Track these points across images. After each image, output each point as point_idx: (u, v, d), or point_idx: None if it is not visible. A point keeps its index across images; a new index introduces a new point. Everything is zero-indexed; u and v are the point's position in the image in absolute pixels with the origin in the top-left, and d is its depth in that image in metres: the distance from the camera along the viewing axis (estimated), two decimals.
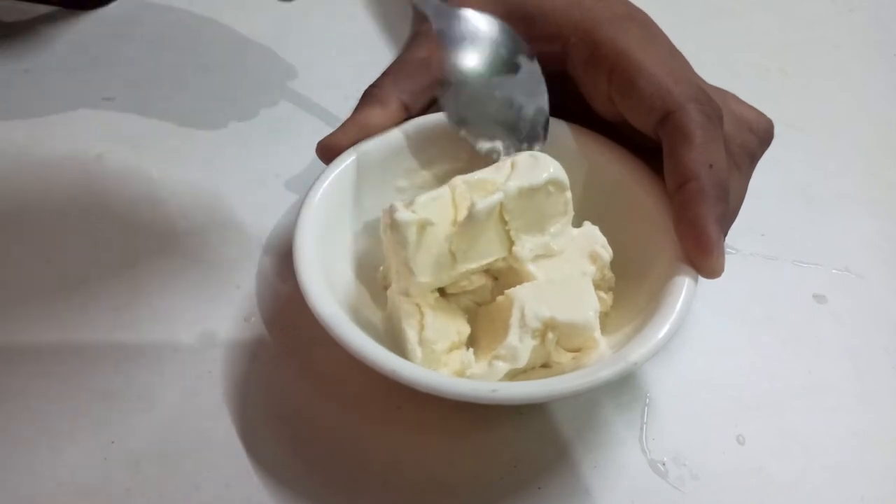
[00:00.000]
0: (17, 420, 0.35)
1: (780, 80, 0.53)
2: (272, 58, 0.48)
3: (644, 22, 0.40)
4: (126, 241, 0.41)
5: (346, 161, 0.37)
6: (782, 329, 0.41)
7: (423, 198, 0.34)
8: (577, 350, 0.35)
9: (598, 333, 0.34)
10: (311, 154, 0.38)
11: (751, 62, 0.54)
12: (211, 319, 0.39)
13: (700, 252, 0.34)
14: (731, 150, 0.37)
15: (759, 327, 0.41)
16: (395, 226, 0.33)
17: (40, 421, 0.35)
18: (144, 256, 0.41)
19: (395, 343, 0.35)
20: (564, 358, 0.35)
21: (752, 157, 0.39)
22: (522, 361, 0.33)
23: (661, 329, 0.33)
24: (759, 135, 0.39)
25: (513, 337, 0.33)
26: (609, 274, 0.37)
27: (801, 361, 0.40)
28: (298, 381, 0.37)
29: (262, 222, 0.42)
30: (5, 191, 0.43)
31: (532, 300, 0.34)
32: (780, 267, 0.44)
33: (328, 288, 0.34)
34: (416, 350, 0.34)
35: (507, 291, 0.35)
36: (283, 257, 0.41)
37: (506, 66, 0.38)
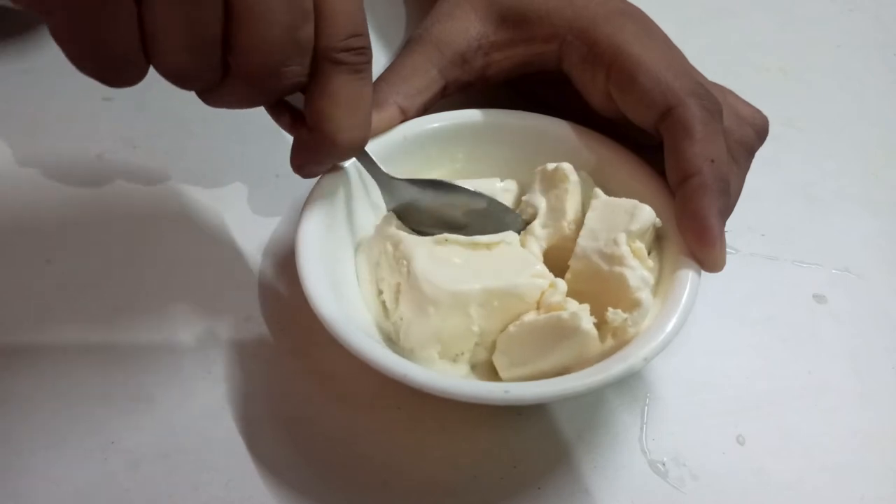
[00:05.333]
0: (17, 420, 0.35)
1: (780, 80, 0.53)
2: None
3: (639, 17, 0.40)
4: (126, 240, 0.41)
5: (346, 163, 0.37)
6: (782, 329, 0.41)
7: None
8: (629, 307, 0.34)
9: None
10: None
11: (751, 62, 0.54)
12: (211, 319, 0.39)
13: (703, 245, 0.34)
14: (730, 144, 0.37)
15: (759, 327, 0.41)
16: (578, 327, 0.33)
17: (40, 421, 0.35)
18: (144, 256, 0.41)
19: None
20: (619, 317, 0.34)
21: (750, 152, 0.39)
22: (651, 280, 0.34)
23: (669, 323, 0.33)
24: (756, 130, 0.40)
25: (631, 276, 0.34)
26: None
27: (801, 361, 0.40)
28: (298, 381, 0.37)
29: (262, 222, 0.42)
30: (5, 191, 0.43)
31: (598, 236, 0.35)
32: (780, 267, 0.43)
33: (332, 291, 0.34)
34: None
35: (575, 255, 0.36)
36: (283, 257, 0.41)
37: (455, 220, 0.37)
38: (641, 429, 0.37)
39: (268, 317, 0.39)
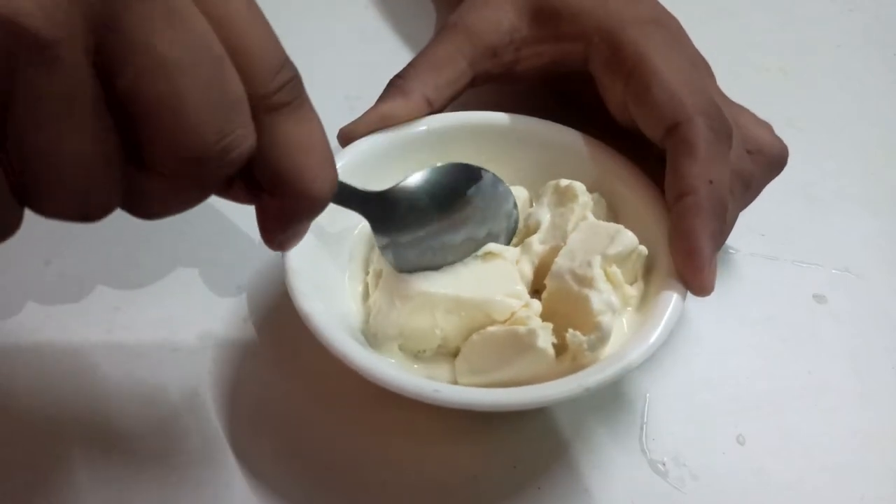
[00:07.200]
0: (17, 420, 0.35)
1: (780, 80, 0.53)
2: None
3: (670, 27, 0.39)
4: (126, 241, 0.41)
5: (346, 157, 0.37)
6: (782, 329, 0.41)
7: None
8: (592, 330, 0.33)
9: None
10: None
11: (751, 62, 0.54)
12: (211, 319, 0.39)
13: (690, 268, 0.33)
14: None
15: (759, 327, 0.41)
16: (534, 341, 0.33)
17: (40, 421, 0.35)
18: (144, 256, 0.41)
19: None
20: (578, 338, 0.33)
21: (748, 185, 0.37)
22: (616, 305, 0.33)
23: (627, 357, 0.32)
24: (769, 159, 0.39)
25: (595, 299, 0.33)
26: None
27: (801, 361, 0.40)
28: (298, 382, 0.37)
29: None
30: None
31: (575, 257, 0.35)
32: (780, 267, 0.43)
33: (314, 286, 0.34)
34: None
35: (551, 274, 0.35)
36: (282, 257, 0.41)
37: (455, 203, 0.36)
38: (641, 429, 0.37)
39: (267, 317, 0.39)
